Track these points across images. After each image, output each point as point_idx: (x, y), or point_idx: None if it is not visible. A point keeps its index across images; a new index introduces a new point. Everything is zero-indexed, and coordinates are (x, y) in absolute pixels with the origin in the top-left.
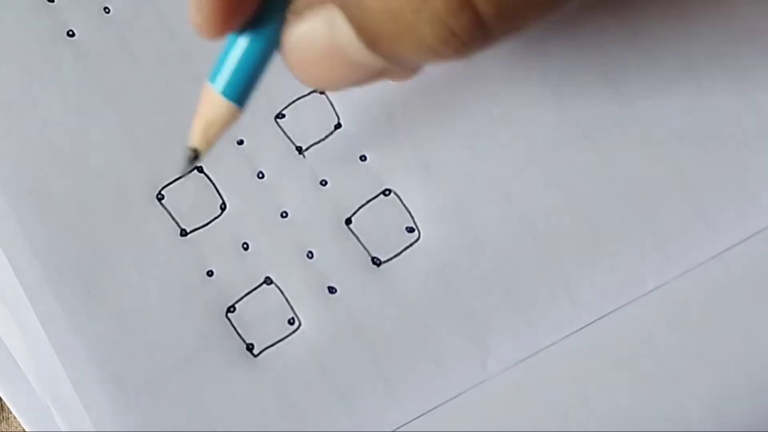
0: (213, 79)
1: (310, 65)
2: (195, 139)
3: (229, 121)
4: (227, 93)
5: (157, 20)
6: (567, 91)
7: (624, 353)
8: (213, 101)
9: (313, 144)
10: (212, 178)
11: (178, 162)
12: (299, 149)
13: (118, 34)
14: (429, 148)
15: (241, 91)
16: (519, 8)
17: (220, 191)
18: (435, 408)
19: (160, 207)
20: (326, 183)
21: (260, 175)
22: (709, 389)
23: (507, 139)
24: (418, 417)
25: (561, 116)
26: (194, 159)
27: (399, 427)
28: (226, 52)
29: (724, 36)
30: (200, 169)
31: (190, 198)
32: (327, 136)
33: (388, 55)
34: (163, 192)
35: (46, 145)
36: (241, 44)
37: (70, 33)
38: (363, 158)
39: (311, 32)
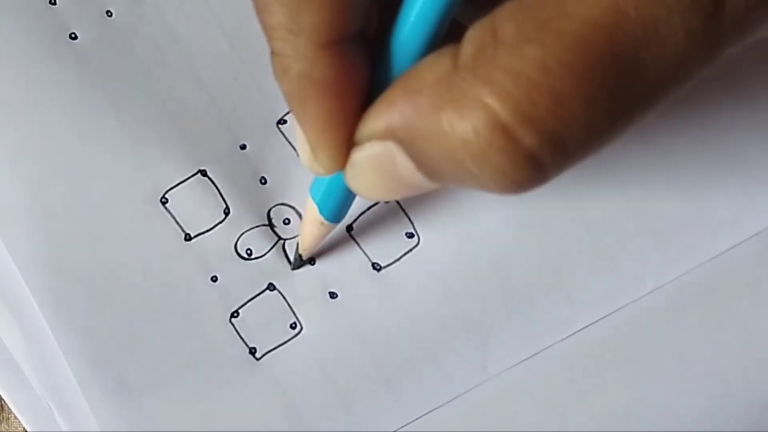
0: (322, 210)
1: (367, 186)
2: (303, 248)
3: (328, 234)
4: (331, 219)
5: (159, 23)
6: None
7: (623, 354)
8: (320, 226)
9: None
10: (216, 183)
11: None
12: None
13: (120, 37)
14: None
15: (341, 215)
16: (577, 155)
17: (224, 196)
18: (435, 409)
19: (165, 211)
20: None
21: (263, 181)
22: (707, 390)
23: None
24: (418, 418)
25: None
26: (303, 261)
27: (399, 428)
28: (334, 185)
29: None
30: (204, 173)
31: (193, 202)
32: None
33: (446, 185)
34: (167, 195)
35: (49, 147)
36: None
37: (73, 36)
38: None
39: (369, 160)
